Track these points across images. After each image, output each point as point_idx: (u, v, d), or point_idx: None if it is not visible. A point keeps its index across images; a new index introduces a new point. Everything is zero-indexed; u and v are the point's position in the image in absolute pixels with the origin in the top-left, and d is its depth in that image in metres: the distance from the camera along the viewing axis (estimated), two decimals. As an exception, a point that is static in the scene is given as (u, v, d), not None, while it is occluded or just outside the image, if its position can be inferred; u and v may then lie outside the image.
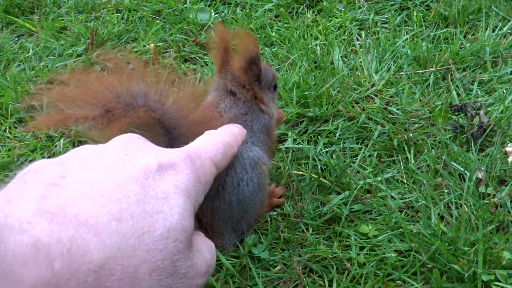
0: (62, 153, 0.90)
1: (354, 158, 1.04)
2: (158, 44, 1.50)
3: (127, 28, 1.60)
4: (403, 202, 0.90)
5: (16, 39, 1.66)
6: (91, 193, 0.40)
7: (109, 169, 0.43)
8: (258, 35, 1.49)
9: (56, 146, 1.16)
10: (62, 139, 1.16)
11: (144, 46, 1.50)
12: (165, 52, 1.50)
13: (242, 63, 0.76)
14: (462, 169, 0.95)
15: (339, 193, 0.95)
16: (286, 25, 1.52)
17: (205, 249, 0.51)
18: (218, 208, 0.76)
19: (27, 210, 0.36)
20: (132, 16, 1.66)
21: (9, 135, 1.19)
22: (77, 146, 0.74)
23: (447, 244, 0.78)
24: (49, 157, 0.95)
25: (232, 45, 0.80)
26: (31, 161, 1.11)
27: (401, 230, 0.83)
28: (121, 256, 0.39)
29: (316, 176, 0.97)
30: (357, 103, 1.18)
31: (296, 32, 1.46)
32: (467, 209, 0.85)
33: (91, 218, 0.38)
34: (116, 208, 0.40)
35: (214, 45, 0.82)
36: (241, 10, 1.65)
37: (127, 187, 0.42)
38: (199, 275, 0.47)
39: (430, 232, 0.80)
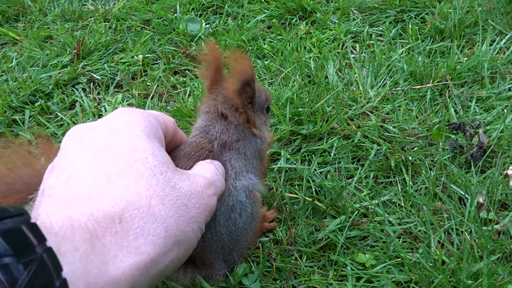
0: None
1: (350, 179, 0.99)
2: (147, 55, 1.45)
3: (115, 38, 1.55)
4: (401, 228, 0.86)
5: (0, 47, 1.60)
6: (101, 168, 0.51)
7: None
8: (250, 47, 1.45)
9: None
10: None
11: (132, 57, 1.45)
12: (154, 64, 1.45)
13: (237, 85, 0.72)
14: (462, 192, 0.91)
15: (334, 217, 0.91)
16: (278, 37, 1.49)
17: (203, 171, 0.63)
18: (209, 240, 0.71)
19: None
20: (121, 26, 1.61)
21: (-12, 151, 1.13)
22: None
23: (448, 276, 0.74)
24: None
25: (224, 65, 0.76)
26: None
27: (399, 259, 0.79)
28: (132, 203, 0.49)
29: (310, 199, 0.92)
30: (352, 120, 1.14)
31: (289, 45, 1.42)
32: (468, 237, 0.81)
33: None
34: (116, 170, 0.51)
35: (205, 63, 0.77)
36: (233, 20, 1.61)
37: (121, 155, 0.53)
38: (204, 186, 0.58)
39: (430, 263, 0.76)
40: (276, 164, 1.03)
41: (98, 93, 1.34)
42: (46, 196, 0.49)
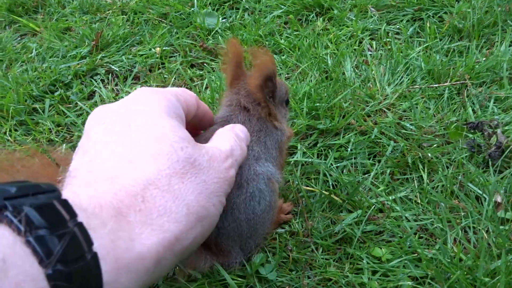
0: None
1: (366, 175, 1.00)
2: (164, 48, 1.47)
3: (133, 31, 1.57)
4: (417, 224, 0.86)
5: (19, 38, 1.62)
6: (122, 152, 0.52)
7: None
8: (266, 42, 1.46)
9: (57, 151, 1.12)
10: (64, 144, 1.12)
11: (150, 49, 1.47)
12: (171, 57, 1.46)
13: (259, 80, 0.73)
14: (479, 191, 0.91)
15: (350, 212, 0.91)
16: (295, 32, 1.49)
17: (221, 142, 0.63)
18: (227, 227, 0.72)
19: None
20: (138, 19, 1.63)
21: (9, 138, 1.15)
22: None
23: (465, 272, 0.74)
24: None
25: (245, 60, 0.77)
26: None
27: (416, 255, 0.80)
28: (152, 182, 0.49)
29: (327, 193, 0.93)
30: (369, 116, 1.14)
31: (306, 40, 1.43)
32: (486, 235, 0.81)
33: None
34: (136, 149, 0.52)
35: (226, 59, 0.79)
36: (250, 15, 1.62)
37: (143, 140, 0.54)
38: (221, 160, 0.59)
39: (448, 259, 0.76)
40: (293, 157, 1.04)
41: (116, 84, 1.35)
42: (71, 177, 0.51)
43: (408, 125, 1.09)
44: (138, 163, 0.51)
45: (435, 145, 1.03)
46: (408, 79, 1.23)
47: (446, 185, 0.93)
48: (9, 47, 1.51)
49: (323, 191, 0.94)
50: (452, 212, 0.89)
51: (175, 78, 1.34)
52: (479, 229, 0.83)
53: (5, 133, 1.16)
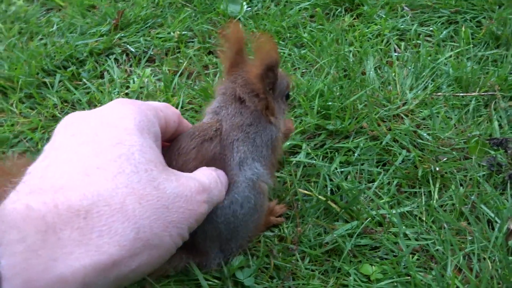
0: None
1: (371, 184, 0.93)
2: (184, 32, 1.43)
3: (155, 13, 1.54)
4: (418, 244, 0.79)
5: (45, 12, 1.63)
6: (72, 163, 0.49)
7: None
8: (289, 34, 1.39)
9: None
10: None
11: (169, 33, 1.43)
12: (190, 42, 1.42)
13: (260, 69, 0.67)
14: (492, 215, 0.82)
15: (347, 222, 0.85)
16: (320, 26, 1.42)
17: (200, 175, 0.60)
18: (203, 227, 0.68)
19: None
20: (163, 1, 1.60)
21: (15, 109, 1.15)
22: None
23: (461, 304, 0.67)
24: (48, 139, 0.89)
25: (247, 48, 0.71)
26: (30, 139, 1.06)
27: (409, 278, 0.73)
28: (104, 199, 0.45)
29: (323, 199, 0.87)
30: (384, 121, 1.07)
31: (330, 35, 1.35)
32: (490, 265, 0.72)
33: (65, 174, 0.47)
34: (96, 163, 0.48)
35: (226, 44, 0.73)
36: (276, 5, 1.55)
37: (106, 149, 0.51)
38: (196, 192, 0.54)
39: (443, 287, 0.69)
40: (295, 157, 0.98)
41: (130, 65, 1.33)
42: (22, 182, 0.47)
43: (425, 134, 1.01)
44: (94, 177, 0.47)
45: (450, 159, 0.95)
46: (433, 85, 1.14)
47: (456, 204, 0.85)
48: (32, 20, 1.52)
49: (320, 197, 0.88)
50: (458, 235, 0.81)
51: (189, 64, 1.30)
52: (485, 258, 0.75)
53: (11, 104, 1.16)
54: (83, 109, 1.13)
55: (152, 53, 1.36)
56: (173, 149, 0.68)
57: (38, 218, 0.41)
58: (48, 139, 0.85)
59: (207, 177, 0.61)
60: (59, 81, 1.23)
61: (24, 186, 0.46)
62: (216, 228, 0.68)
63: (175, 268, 0.71)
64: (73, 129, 0.53)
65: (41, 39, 1.44)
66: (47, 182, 0.46)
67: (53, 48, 1.37)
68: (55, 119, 1.11)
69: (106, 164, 0.48)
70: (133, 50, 1.37)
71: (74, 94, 1.18)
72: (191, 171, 0.63)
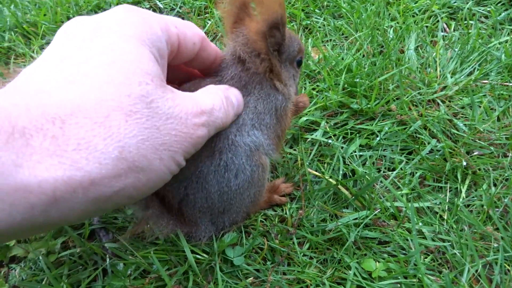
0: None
1: (390, 172, 0.83)
2: (215, -7, 1.35)
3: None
4: (434, 245, 0.70)
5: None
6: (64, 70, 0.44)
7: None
8: (326, 2, 1.28)
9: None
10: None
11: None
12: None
13: (262, 26, 0.59)
14: (526, 222, 0.71)
15: (357, 210, 0.77)
16: (362, -3, 1.30)
17: (203, 96, 0.53)
18: (193, 195, 0.62)
19: None
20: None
21: (36, 56, 1.13)
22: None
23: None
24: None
25: (252, 3, 0.63)
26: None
27: (416, 280, 0.64)
28: (85, 109, 0.40)
29: (334, 182, 0.79)
30: (416, 105, 0.96)
31: (371, 7, 1.23)
32: (514, 280, 0.63)
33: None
34: (83, 69, 0.43)
35: None
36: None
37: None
38: (192, 114, 0.49)
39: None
40: (312, 134, 0.90)
41: (156, 23, 1.27)
42: (8, 83, 0.43)
43: (461, 124, 0.90)
44: (78, 85, 0.42)
45: (486, 155, 0.84)
46: (479, 71, 1.01)
47: (485, 206, 0.75)
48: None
49: (330, 180, 0.80)
50: (482, 240, 0.71)
51: (217, 26, 1.23)
52: (509, 270, 0.65)
53: (33, 51, 1.14)
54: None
55: (180, 10, 1.29)
56: None
57: (4, 117, 0.37)
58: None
59: (212, 97, 0.54)
60: (81, 32, 1.20)
61: (8, 87, 0.42)
62: (208, 198, 0.62)
63: (162, 233, 0.66)
64: (71, 33, 0.48)
65: (72, -12, 1.41)
66: (27, 85, 0.42)
67: (83, -3, 1.33)
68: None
69: (93, 72, 0.43)
70: (161, 6, 1.31)
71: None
72: None
